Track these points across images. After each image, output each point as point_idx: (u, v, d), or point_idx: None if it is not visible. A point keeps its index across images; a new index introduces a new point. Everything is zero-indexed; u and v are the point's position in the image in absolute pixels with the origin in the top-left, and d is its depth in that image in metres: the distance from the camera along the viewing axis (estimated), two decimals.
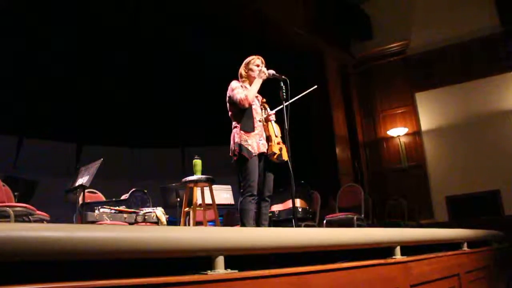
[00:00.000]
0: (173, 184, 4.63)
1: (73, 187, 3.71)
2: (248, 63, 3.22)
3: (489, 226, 4.11)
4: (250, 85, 3.16)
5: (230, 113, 3.16)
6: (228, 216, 5.78)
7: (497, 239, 3.78)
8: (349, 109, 8.13)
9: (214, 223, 4.22)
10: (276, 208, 5.36)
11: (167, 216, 3.92)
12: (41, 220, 3.70)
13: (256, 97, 3.20)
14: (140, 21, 6.83)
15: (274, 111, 3.25)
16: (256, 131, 3.06)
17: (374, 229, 2.10)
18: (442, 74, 7.53)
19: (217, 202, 3.82)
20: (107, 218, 3.51)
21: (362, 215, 5.27)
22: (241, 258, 1.32)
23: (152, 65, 7.75)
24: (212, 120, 6.35)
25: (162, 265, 1.17)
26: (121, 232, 1.03)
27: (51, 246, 0.90)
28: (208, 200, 3.76)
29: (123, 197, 4.41)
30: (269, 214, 3.44)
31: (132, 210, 3.78)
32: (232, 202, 4.64)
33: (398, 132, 7.68)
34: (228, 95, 3.14)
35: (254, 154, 2.98)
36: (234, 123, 3.12)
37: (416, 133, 7.66)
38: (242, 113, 3.07)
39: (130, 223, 3.61)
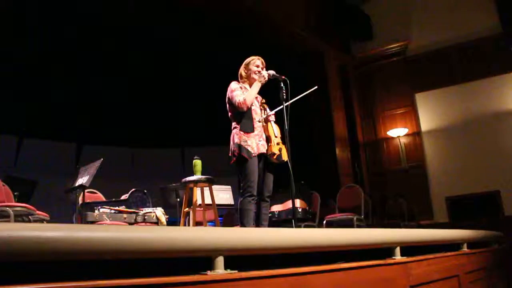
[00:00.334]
0: (173, 184, 4.61)
1: (73, 187, 3.70)
2: (248, 64, 3.22)
3: (489, 226, 4.11)
4: (250, 86, 3.16)
5: (229, 113, 3.16)
6: (228, 216, 5.78)
7: (497, 240, 3.77)
8: (349, 110, 8.12)
9: (214, 223, 4.22)
10: (276, 208, 5.36)
11: (167, 216, 3.91)
12: (41, 220, 3.70)
13: (256, 97, 3.20)
14: (140, 20, 6.84)
15: (273, 112, 3.24)
16: (255, 132, 3.06)
17: (374, 230, 2.10)
18: (442, 74, 7.52)
19: (217, 202, 3.82)
20: (107, 218, 3.50)
21: (362, 216, 5.27)
22: (241, 259, 1.32)
23: (152, 65, 7.76)
24: (212, 120, 6.36)
25: (162, 265, 1.18)
26: (121, 232, 1.03)
27: (51, 246, 0.90)
28: (208, 201, 3.76)
29: (123, 197, 4.40)
30: (269, 215, 3.43)
31: (132, 210, 3.77)
32: (232, 202, 4.64)
33: (398, 132, 7.67)
34: (227, 96, 3.13)
35: (253, 155, 2.98)
36: (233, 124, 3.12)
37: (416, 134, 7.65)
38: (242, 114, 3.07)
39: (130, 223, 3.60)
